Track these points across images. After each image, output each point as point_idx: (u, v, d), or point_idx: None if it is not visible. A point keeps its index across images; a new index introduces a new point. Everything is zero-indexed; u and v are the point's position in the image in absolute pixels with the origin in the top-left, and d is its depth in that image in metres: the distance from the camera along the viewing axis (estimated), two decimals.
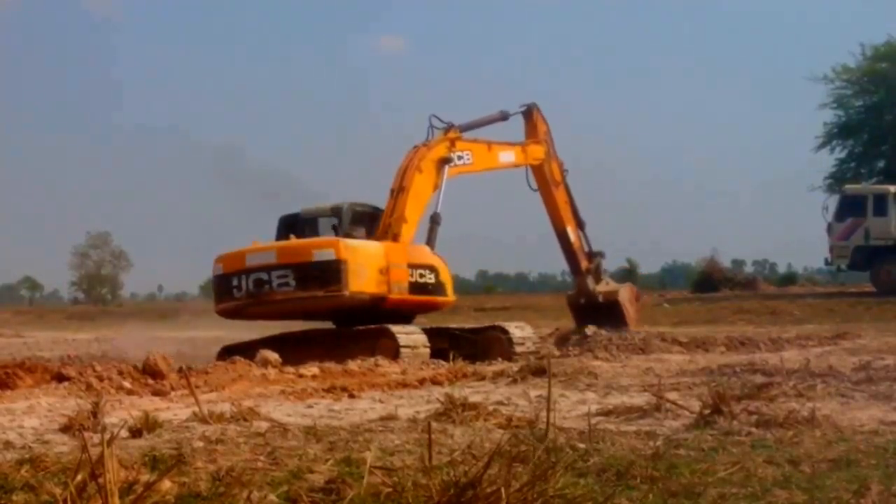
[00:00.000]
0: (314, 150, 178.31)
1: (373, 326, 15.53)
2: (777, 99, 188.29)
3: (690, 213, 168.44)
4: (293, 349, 14.66)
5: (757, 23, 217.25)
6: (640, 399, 8.82)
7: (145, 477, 4.86)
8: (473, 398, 8.27)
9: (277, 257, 16.02)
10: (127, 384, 10.46)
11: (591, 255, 20.94)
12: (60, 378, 10.70)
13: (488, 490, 4.14)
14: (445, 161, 17.77)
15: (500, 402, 8.91)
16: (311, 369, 12.47)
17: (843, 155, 49.49)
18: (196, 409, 7.35)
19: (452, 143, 18.10)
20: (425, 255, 17.03)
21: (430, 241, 17.28)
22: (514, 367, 12.73)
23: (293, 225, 17.05)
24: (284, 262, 15.90)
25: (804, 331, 21.32)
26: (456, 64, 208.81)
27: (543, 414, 6.57)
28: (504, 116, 19.96)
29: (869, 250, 35.14)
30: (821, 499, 4.60)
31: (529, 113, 20.43)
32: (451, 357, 14.56)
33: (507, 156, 19.69)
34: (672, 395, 8.87)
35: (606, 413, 8.00)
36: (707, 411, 7.07)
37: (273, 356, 13.26)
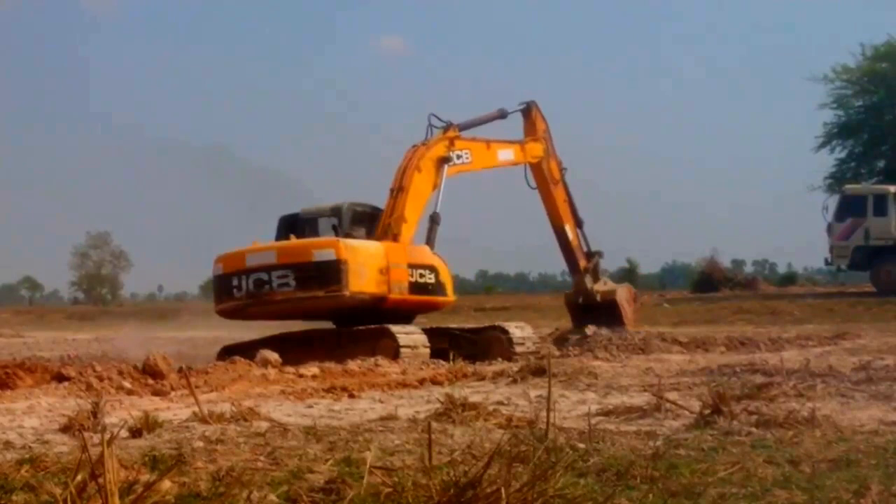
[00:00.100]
0: (314, 150, 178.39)
1: (373, 326, 15.53)
2: (777, 99, 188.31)
3: (690, 213, 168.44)
4: (293, 349, 14.66)
5: (757, 23, 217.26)
6: (640, 399, 8.82)
7: (145, 477, 4.86)
8: (473, 398, 8.27)
9: (277, 257, 16.02)
10: (127, 384, 10.46)
11: (590, 255, 20.94)
12: (60, 378, 10.70)
13: (488, 490, 4.14)
14: (444, 160, 17.77)
15: (500, 402, 8.91)
16: (311, 369, 12.47)
17: (843, 155, 49.51)
18: (196, 409, 7.35)
19: (451, 142, 18.10)
20: (425, 255, 17.03)
21: (430, 241, 17.28)
22: (514, 367, 12.73)
23: (293, 225, 17.05)
24: (285, 262, 15.90)
25: (804, 331, 21.32)
26: (456, 64, 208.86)
27: (543, 414, 6.57)
28: (503, 115, 19.97)
29: (869, 250, 35.13)
30: (821, 499, 4.60)
31: (528, 111, 20.44)
32: (451, 357, 14.56)
33: (506, 154, 19.69)
34: (672, 395, 8.87)
35: (606, 413, 8.00)
36: (707, 411, 7.07)
37: (273, 356, 13.27)
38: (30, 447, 6.35)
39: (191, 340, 21.76)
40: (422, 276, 16.71)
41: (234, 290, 16.17)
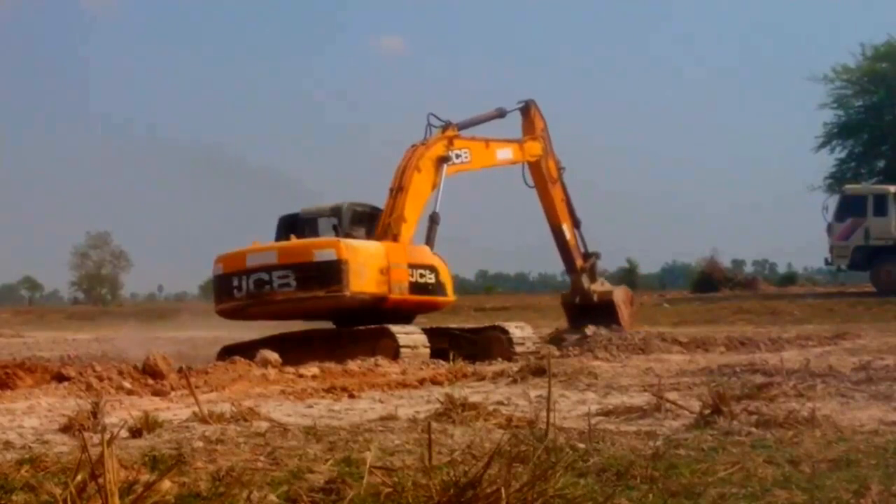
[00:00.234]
0: (313, 149, 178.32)
1: (373, 326, 15.53)
2: (777, 99, 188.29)
3: (690, 213, 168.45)
4: (293, 349, 14.67)
5: (757, 22, 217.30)
6: (640, 399, 8.82)
7: (145, 477, 4.86)
8: (473, 398, 8.26)
9: (278, 257, 16.02)
10: (127, 384, 10.46)
11: (587, 256, 20.95)
12: (60, 378, 10.70)
13: (488, 490, 4.14)
14: (444, 160, 17.78)
15: (500, 402, 8.91)
16: (311, 369, 12.48)
17: (843, 155, 49.53)
18: (196, 409, 7.35)
19: (450, 141, 18.11)
20: (425, 255, 17.04)
21: (430, 241, 17.29)
22: (514, 367, 12.73)
23: (293, 225, 17.05)
24: (285, 262, 15.90)
25: (804, 331, 21.32)
26: (455, 64, 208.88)
27: (543, 414, 6.57)
28: (501, 114, 19.98)
29: (869, 250, 35.13)
30: (821, 499, 4.60)
31: (527, 109, 20.45)
32: (451, 357, 14.56)
33: (505, 153, 19.70)
34: (672, 395, 8.87)
35: (606, 413, 8.00)
36: (707, 411, 7.07)
37: (273, 356, 13.27)
38: (30, 447, 6.35)
39: (191, 340, 21.76)
40: (422, 276, 16.71)
41: (234, 290, 16.17)
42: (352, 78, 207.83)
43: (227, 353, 15.32)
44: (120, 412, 8.18)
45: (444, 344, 15.94)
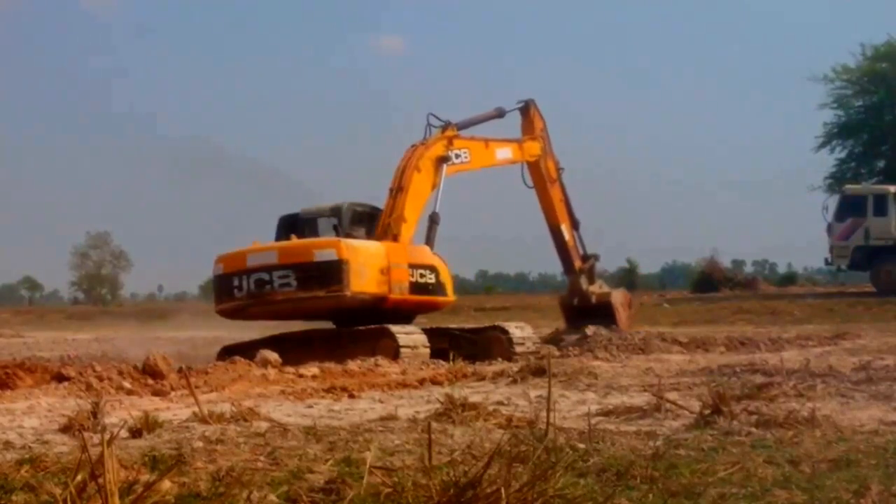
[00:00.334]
0: (313, 149, 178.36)
1: (373, 326, 15.53)
2: (777, 99, 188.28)
3: (690, 213, 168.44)
4: (293, 349, 14.67)
5: (757, 22, 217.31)
6: (640, 399, 8.82)
7: (145, 477, 4.86)
8: (473, 398, 8.26)
9: (279, 257, 16.02)
10: (127, 384, 10.46)
11: (586, 257, 20.94)
12: (60, 378, 10.70)
13: (488, 490, 4.14)
14: (443, 160, 17.78)
15: (500, 402, 8.91)
16: (311, 369, 12.47)
17: (843, 155, 49.57)
18: (196, 409, 7.35)
19: (450, 141, 18.11)
20: (426, 255, 17.04)
21: (430, 241, 17.29)
22: (514, 367, 12.72)
23: (293, 225, 17.05)
24: (286, 262, 15.90)
25: (804, 331, 21.32)
26: (455, 64, 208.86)
27: (543, 414, 6.57)
28: (501, 113, 19.98)
29: (869, 250, 35.15)
30: (821, 499, 4.60)
31: (527, 109, 20.46)
32: (451, 357, 14.55)
33: (504, 153, 19.71)
34: (672, 395, 8.87)
35: (606, 413, 8.00)
36: (707, 411, 7.06)
37: (273, 356, 13.27)
38: (30, 447, 6.34)
39: (191, 340, 21.77)
40: (422, 276, 16.72)
41: (234, 290, 16.17)
42: (352, 78, 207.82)
43: (227, 353, 15.32)
44: (120, 412, 8.18)
45: (444, 344, 15.94)
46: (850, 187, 39.24)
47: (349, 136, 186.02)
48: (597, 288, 20.89)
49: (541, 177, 20.37)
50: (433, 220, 17.43)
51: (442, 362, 14.41)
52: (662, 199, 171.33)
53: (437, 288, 17.05)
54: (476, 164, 18.93)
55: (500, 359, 15.33)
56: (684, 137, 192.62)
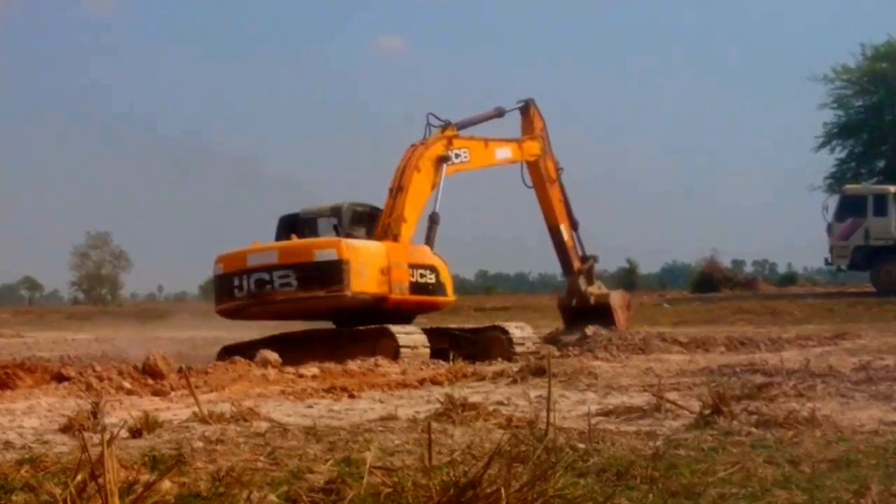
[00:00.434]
0: (313, 149, 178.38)
1: (373, 326, 15.53)
2: (777, 99, 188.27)
3: (690, 214, 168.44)
4: (293, 349, 14.66)
5: (757, 22, 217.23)
6: (640, 399, 8.82)
7: (145, 477, 4.86)
8: (473, 398, 8.26)
9: (279, 257, 16.02)
10: (127, 384, 10.46)
11: (584, 258, 20.93)
12: (60, 378, 10.70)
13: (488, 490, 4.14)
14: (443, 159, 17.79)
15: (500, 402, 8.91)
16: (311, 369, 12.47)
17: (843, 155, 49.59)
18: (196, 409, 7.35)
19: (450, 141, 18.11)
20: (426, 255, 17.04)
21: (430, 241, 17.29)
22: (514, 367, 12.72)
23: (293, 225, 17.05)
24: (286, 262, 15.90)
25: (804, 331, 21.31)
26: (455, 64, 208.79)
27: (543, 414, 6.57)
28: (500, 113, 19.99)
29: (869, 250, 35.15)
30: (821, 499, 4.60)
31: (526, 108, 20.46)
32: (451, 357, 14.55)
33: (504, 152, 19.71)
34: (672, 395, 8.87)
35: (606, 413, 8.00)
36: (707, 411, 7.07)
37: (273, 356, 13.26)
38: (30, 447, 6.34)
39: (191, 340, 21.77)
40: (422, 276, 16.72)
41: (235, 290, 16.17)
42: (352, 78, 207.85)
43: (227, 353, 15.32)
44: (120, 412, 8.18)
45: (444, 344, 15.94)
46: (850, 187, 39.25)
47: (349, 136, 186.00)
48: (595, 289, 20.88)
49: (540, 177, 20.38)
50: (433, 220, 17.43)
51: (442, 362, 14.41)
52: (662, 199, 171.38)
53: (438, 288, 17.05)
54: (476, 164, 18.94)
55: (500, 359, 15.32)
56: (684, 137, 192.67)
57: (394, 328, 15.33)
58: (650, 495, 4.63)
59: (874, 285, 35.77)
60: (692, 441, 6.15)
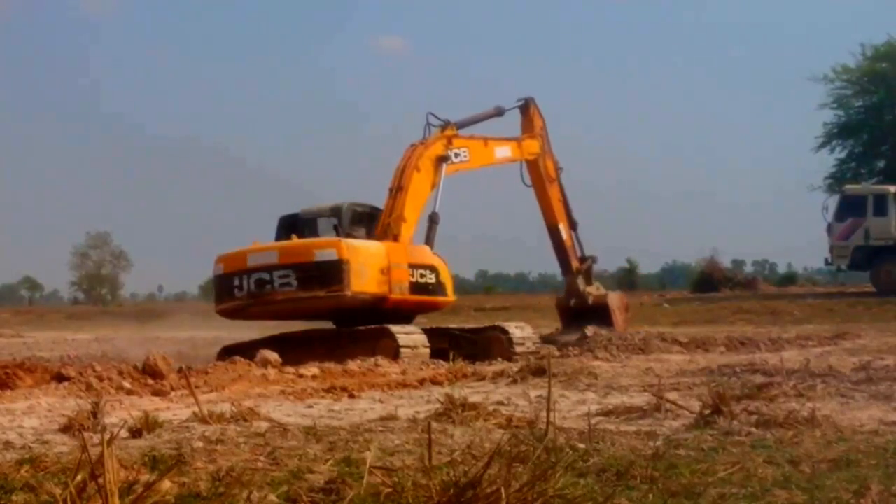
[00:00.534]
0: (312, 150, 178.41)
1: (373, 326, 15.53)
2: (777, 99, 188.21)
3: (690, 214, 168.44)
4: (293, 349, 14.66)
5: (757, 23, 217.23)
6: (640, 399, 8.82)
7: (145, 477, 4.86)
8: (473, 398, 8.26)
9: (279, 257, 16.02)
10: (127, 384, 10.46)
11: (583, 259, 20.93)
12: (60, 378, 10.70)
13: (488, 490, 4.14)
14: (443, 159, 17.79)
15: (500, 402, 8.91)
16: (311, 369, 12.47)
17: (843, 155, 49.61)
18: (196, 409, 7.35)
19: (449, 140, 18.11)
20: (426, 255, 17.04)
21: (429, 241, 17.29)
22: (514, 367, 12.72)
23: (293, 225, 17.05)
24: (286, 262, 15.90)
25: (804, 331, 21.31)
26: (456, 64, 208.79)
27: (543, 414, 6.57)
28: (500, 112, 19.98)
29: (869, 250, 35.15)
30: (821, 499, 4.60)
31: (526, 107, 20.46)
32: (451, 357, 14.55)
33: (504, 151, 19.71)
34: (672, 395, 8.87)
35: (606, 413, 8.00)
36: (707, 411, 7.07)
37: (273, 356, 13.26)
38: (30, 447, 6.34)
39: (191, 340, 21.77)
40: (422, 276, 16.72)
41: (235, 289, 16.17)
42: (352, 78, 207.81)
43: (227, 353, 15.32)
44: (120, 412, 8.18)
45: (444, 344, 15.94)
46: (850, 187, 39.25)
47: (349, 136, 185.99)
48: (594, 289, 20.87)
49: (539, 175, 20.38)
50: (433, 219, 17.43)
51: (442, 362, 14.41)
52: (662, 199, 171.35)
53: (438, 288, 17.06)
54: (475, 163, 18.94)
55: (500, 359, 15.32)
56: (684, 137, 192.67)
57: (394, 328, 15.33)
58: (650, 495, 4.63)
59: (874, 285, 35.77)
60: (692, 441, 6.15)
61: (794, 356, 13.63)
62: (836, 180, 47.22)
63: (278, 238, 16.93)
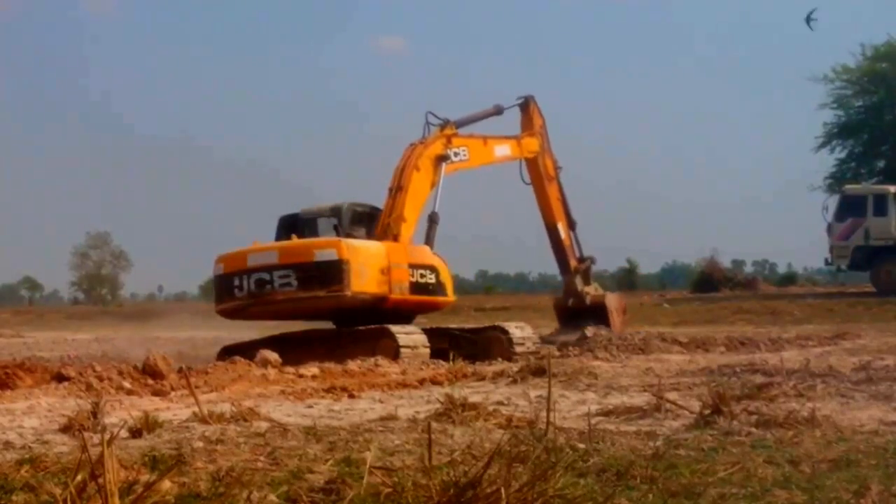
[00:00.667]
0: (312, 150, 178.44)
1: (373, 326, 15.53)
2: (777, 99, 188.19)
3: (690, 214, 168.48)
4: (293, 349, 14.67)
5: (758, 22, 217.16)
6: (640, 399, 8.82)
7: (145, 477, 4.86)
8: (473, 398, 8.26)
9: (279, 257, 16.02)
10: (127, 384, 10.46)
11: (582, 259, 20.92)
12: (60, 378, 10.70)
13: (488, 490, 4.14)
14: (442, 158, 17.80)
15: (500, 402, 8.91)
16: (311, 369, 12.48)
17: (843, 155, 49.61)
18: (196, 409, 7.35)
19: (449, 139, 18.12)
20: (426, 255, 17.04)
21: (429, 241, 17.29)
22: (514, 367, 12.73)
23: (293, 225, 17.05)
24: (286, 262, 15.90)
25: (804, 331, 21.31)
26: (456, 64, 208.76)
27: (543, 414, 6.57)
28: (499, 111, 19.98)
29: (869, 250, 35.16)
30: (821, 499, 4.60)
31: (526, 105, 20.47)
32: (451, 357, 14.55)
33: (503, 149, 19.71)
34: (672, 395, 8.87)
35: (606, 413, 8.00)
36: (707, 411, 7.07)
37: (273, 356, 13.27)
38: (30, 447, 6.35)
39: (191, 340, 21.78)
40: (422, 276, 16.72)
41: (235, 289, 16.17)
42: (352, 78, 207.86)
43: (227, 353, 15.32)
44: (120, 412, 8.18)
45: (444, 344, 15.94)
46: (850, 187, 39.25)
47: (348, 135, 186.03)
48: (592, 290, 20.87)
49: (539, 174, 20.39)
50: (433, 219, 17.44)
51: (442, 362, 14.41)
52: (662, 199, 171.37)
53: (438, 288, 17.06)
54: (475, 162, 18.94)
55: (500, 359, 15.33)
56: (684, 137, 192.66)
57: (394, 328, 15.33)
58: (650, 495, 4.63)
59: (874, 285, 35.78)
60: (692, 441, 6.15)
61: (794, 356, 13.63)
62: (836, 180, 47.23)
63: (278, 238, 16.93)
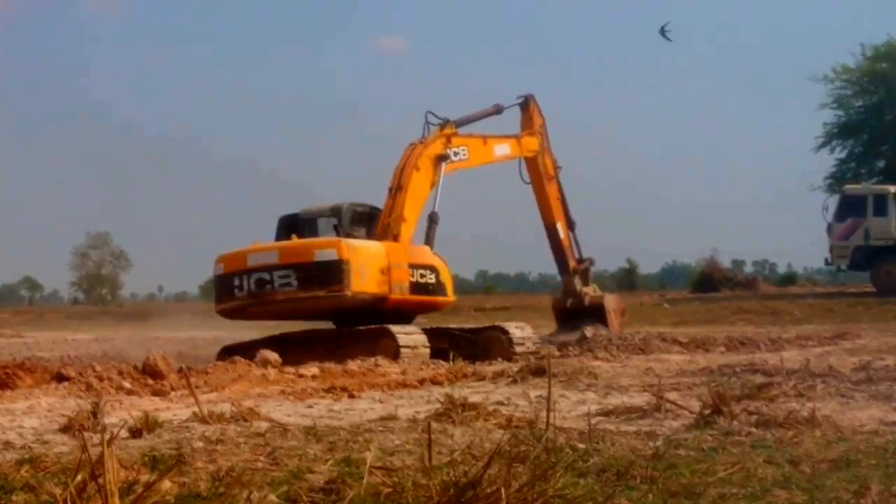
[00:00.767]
0: (312, 149, 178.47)
1: (373, 326, 15.53)
2: (777, 99, 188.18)
3: (690, 214, 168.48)
4: (293, 349, 14.67)
5: (757, 23, 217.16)
6: (640, 399, 8.82)
7: (145, 477, 4.86)
8: (473, 398, 8.26)
9: (279, 257, 16.02)
10: (127, 384, 10.46)
11: (581, 260, 20.92)
12: (60, 378, 10.70)
13: (488, 490, 4.14)
14: (442, 158, 17.79)
15: (500, 402, 8.91)
16: (311, 369, 12.48)
17: (843, 155, 49.65)
18: (196, 409, 7.35)
19: (448, 139, 18.11)
20: (426, 255, 17.04)
21: (429, 241, 17.29)
22: (514, 367, 12.73)
23: (293, 225, 17.04)
24: (286, 262, 15.90)
25: (804, 331, 21.32)
26: (456, 64, 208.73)
27: (543, 414, 6.57)
28: (499, 110, 19.97)
29: (869, 250, 35.17)
30: (821, 499, 4.60)
31: (526, 104, 20.45)
32: (451, 357, 14.55)
33: (502, 149, 19.71)
34: (672, 395, 8.87)
35: (606, 413, 8.00)
36: (707, 411, 7.07)
37: (273, 356, 13.27)
38: (30, 447, 6.34)
39: (191, 340, 21.79)
40: (422, 276, 16.72)
41: (235, 289, 16.17)
42: (352, 78, 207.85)
43: (227, 353, 15.32)
44: (120, 412, 8.18)
45: (444, 344, 15.94)
46: (850, 187, 39.26)
47: (348, 135, 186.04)
48: (591, 290, 20.87)
49: (538, 173, 20.39)
50: (433, 219, 17.43)
51: (442, 362, 14.41)
52: (662, 199, 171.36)
53: (438, 288, 17.06)
54: (475, 162, 18.94)
55: (500, 359, 15.32)
56: (684, 137, 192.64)
57: (394, 328, 15.33)
58: (650, 495, 4.63)
59: (874, 285, 35.79)
60: (692, 441, 6.15)
61: (794, 356, 13.63)
62: (836, 180, 47.25)
63: (278, 238, 16.93)
